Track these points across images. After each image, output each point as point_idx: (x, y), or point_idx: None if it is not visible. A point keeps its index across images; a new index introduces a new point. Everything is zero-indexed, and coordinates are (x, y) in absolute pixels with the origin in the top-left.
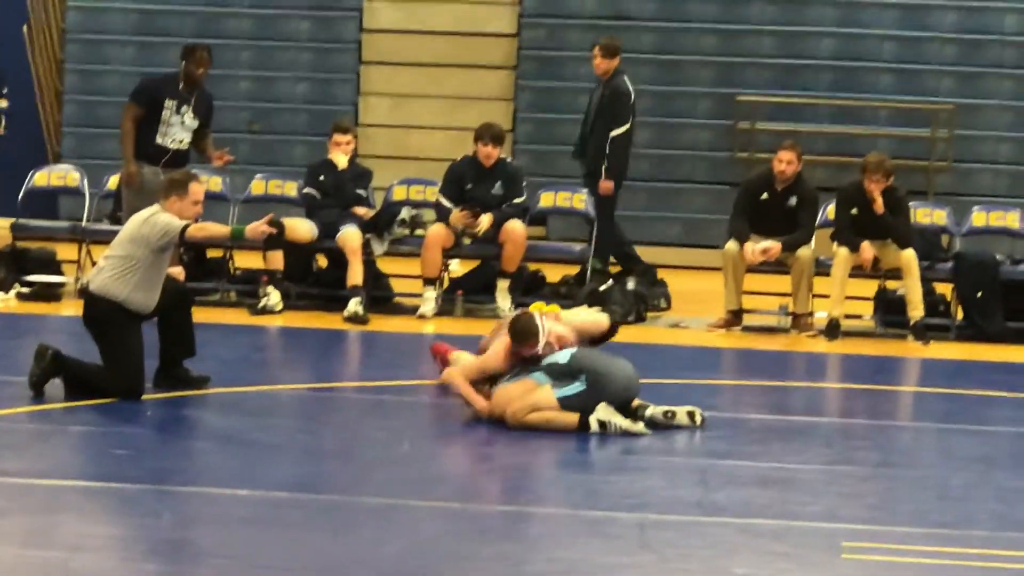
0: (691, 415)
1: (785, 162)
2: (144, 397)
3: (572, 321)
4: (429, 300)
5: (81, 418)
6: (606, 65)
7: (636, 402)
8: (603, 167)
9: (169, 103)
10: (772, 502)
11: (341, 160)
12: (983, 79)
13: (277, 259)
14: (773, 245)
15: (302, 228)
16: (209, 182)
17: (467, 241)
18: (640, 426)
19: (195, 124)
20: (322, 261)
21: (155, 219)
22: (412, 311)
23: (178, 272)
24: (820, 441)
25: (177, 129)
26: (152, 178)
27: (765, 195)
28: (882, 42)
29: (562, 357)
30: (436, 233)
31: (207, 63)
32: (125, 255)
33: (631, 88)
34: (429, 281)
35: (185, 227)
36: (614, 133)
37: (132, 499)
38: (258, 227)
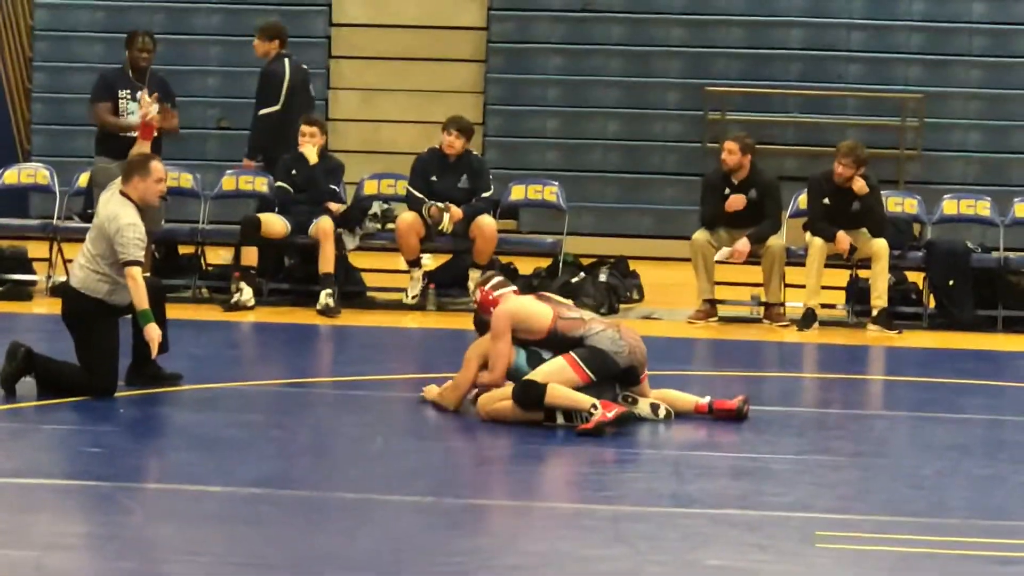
0: (655, 408)
1: (727, 151)
2: (117, 395)
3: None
4: (416, 281)
5: (53, 416)
6: (264, 48)
7: None
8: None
9: (123, 93)
10: (746, 493)
11: (310, 153)
12: (951, 67)
13: (251, 256)
14: (738, 248)
15: (276, 224)
16: (180, 179)
17: (449, 229)
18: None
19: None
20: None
21: (126, 231)
22: (384, 305)
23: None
24: (793, 431)
25: (137, 116)
26: (118, 172)
27: (727, 190)
28: (850, 31)
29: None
30: (406, 220)
31: (149, 48)
32: (99, 253)
33: (288, 72)
34: (412, 263)
35: (133, 262)
36: (261, 112)
37: (105, 497)
38: (151, 339)
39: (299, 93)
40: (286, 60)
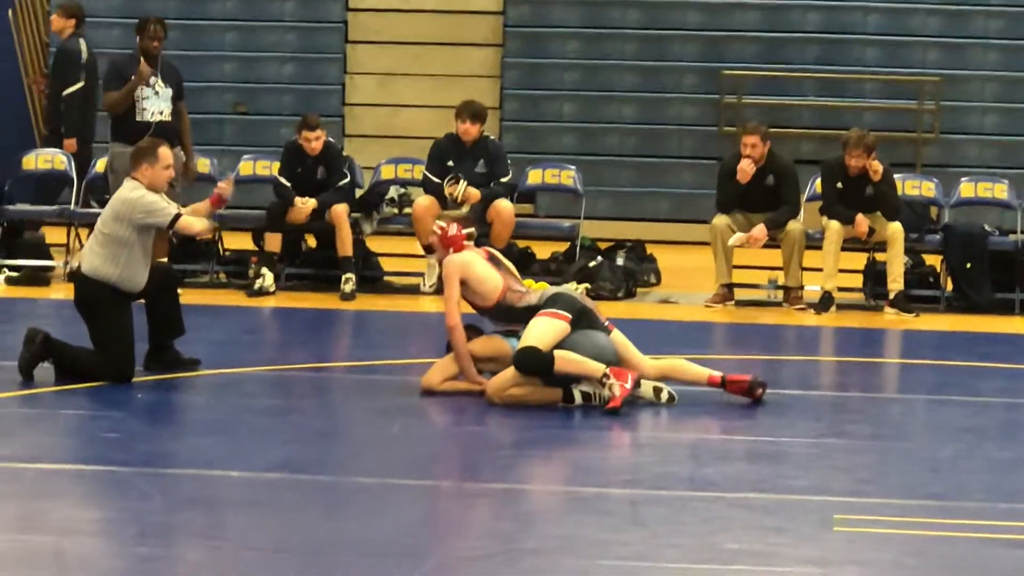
0: (657, 391)
1: (749, 146)
2: (134, 380)
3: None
4: (433, 268)
5: (71, 402)
6: (60, 24)
7: None
8: (62, 127)
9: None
10: (763, 476)
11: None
12: (969, 50)
13: (273, 241)
14: (754, 235)
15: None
16: (197, 164)
17: (466, 208)
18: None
19: (169, 91)
20: (311, 241)
21: (144, 200)
22: (401, 290)
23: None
24: (810, 414)
25: (152, 101)
26: None
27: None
28: (867, 14)
29: None
30: (422, 205)
31: (160, 35)
32: (112, 235)
33: (84, 49)
34: (428, 249)
35: (174, 220)
36: (65, 92)
37: (123, 482)
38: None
39: (94, 72)
40: (81, 39)
